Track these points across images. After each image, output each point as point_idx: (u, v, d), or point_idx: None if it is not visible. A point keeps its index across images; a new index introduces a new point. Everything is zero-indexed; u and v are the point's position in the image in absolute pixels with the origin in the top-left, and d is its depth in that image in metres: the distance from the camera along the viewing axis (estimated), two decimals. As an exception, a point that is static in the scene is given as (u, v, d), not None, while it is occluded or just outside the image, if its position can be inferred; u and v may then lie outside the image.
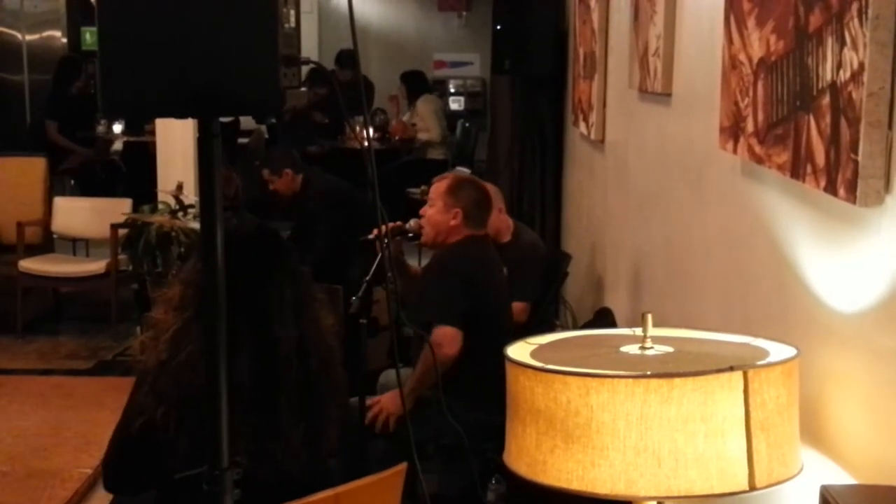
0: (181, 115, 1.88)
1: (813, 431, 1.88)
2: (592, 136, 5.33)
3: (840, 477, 1.79)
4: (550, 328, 4.91)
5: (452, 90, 13.16)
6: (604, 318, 4.51)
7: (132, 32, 1.69)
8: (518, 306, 4.58)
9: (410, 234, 4.31)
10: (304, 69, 1.95)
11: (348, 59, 9.88)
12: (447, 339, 3.86)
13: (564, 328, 5.53)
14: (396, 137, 10.53)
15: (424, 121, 10.49)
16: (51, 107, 9.73)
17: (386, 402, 3.93)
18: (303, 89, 1.84)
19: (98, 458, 4.78)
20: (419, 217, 4.23)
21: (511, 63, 7.34)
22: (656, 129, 3.76)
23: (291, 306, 2.47)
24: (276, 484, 2.37)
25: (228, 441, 1.89)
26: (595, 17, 5.28)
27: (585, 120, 5.65)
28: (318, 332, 2.55)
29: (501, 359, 1.94)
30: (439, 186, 4.20)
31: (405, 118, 10.77)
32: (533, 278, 4.82)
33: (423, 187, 7.89)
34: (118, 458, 2.53)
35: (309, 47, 11.81)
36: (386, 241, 2.57)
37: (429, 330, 3.85)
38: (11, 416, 5.44)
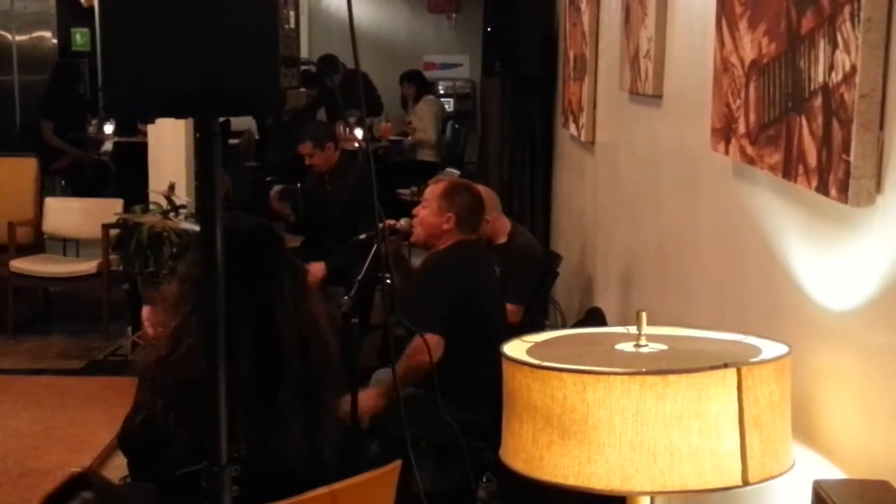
0: (182, 114, 1.89)
1: (804, 428, 1.91)
2: (582, 138, 5.36)
3: (830, 472, 1.82)
4: (539, 328, 4.94)
5: (442, 92, 13.19)
6: (594, 318, 4.53)
7: (133, 32, 1.69)
8: (511, 309, 4.60)
9: (401, 235, 4.34)
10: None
11: (331, 64, 9.81)
12: (430, 346, 3.85)
13: (553, 328, 5.55)
14: (385, 139, 10.53)
15: (423, 121, 10.44)
16: (47, 108, 9.69)
17: (361, 402, 3.82)
18: (302, 90, 1.84)
19: (90, 458, 4.81)
20: (410, 217, 4.25)
21: (501, 65, 7.39)
22: (647, 131, 3.79)
23: (291, 297, 2.50)
24: (275, 474, 2.39)
25: (227, 438, 1.91)
26: (585, 19, 5.32)
27: (575, 121, 5.68)
28: (317, 324, 2.57)
29: (493, 358, 1.95)
30: (435, 189, 4.23)
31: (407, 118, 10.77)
32: (527, 282, 4.83)
33: (413, 188, 7.91)
34: (126, 453, 2.60)
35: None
36: (385, 238, 2.58)
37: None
38: (3, 416, 5.44)
